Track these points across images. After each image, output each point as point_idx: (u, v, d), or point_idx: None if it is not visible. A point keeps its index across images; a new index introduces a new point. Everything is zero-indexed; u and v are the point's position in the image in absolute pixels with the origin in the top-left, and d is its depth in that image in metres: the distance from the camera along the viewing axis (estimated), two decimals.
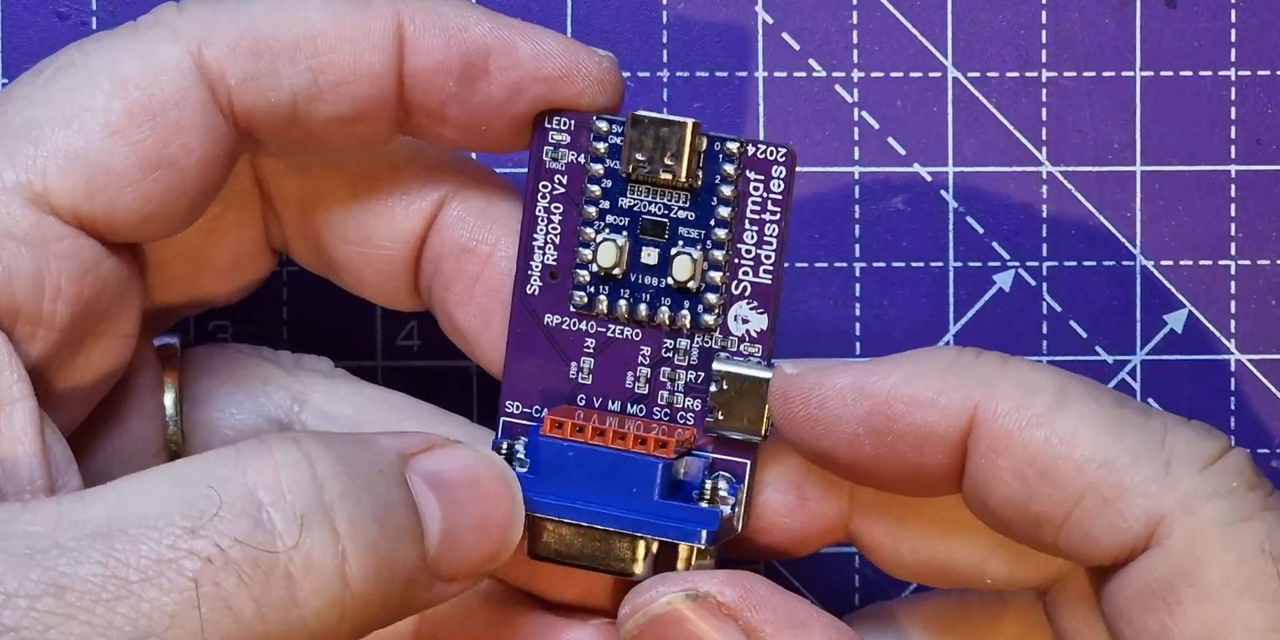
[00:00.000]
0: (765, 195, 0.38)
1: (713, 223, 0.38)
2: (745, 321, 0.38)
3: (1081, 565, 0.37)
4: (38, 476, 0.36)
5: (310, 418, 0.41)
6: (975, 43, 0.47)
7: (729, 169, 0.38)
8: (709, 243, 0.38)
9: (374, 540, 0.34)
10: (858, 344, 0.47)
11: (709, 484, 0.38)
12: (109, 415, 0.40)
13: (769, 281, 0.38)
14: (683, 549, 0.38)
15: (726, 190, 0.38)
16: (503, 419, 0.39)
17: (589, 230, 0.38)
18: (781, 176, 0.38)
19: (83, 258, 0.37)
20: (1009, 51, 0.47)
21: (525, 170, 0.39)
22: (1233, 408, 0.47)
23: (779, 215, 0.38)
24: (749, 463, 0.39)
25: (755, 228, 0.38)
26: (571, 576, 0.40)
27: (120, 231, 0.37)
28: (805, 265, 0.47)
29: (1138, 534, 0.35)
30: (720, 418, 0.38)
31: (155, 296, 0.41)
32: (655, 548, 0.38)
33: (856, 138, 0.47)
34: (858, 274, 0.47)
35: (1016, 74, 0.47)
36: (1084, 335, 0.47)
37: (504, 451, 0.39)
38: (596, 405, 0.39)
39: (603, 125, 0.38)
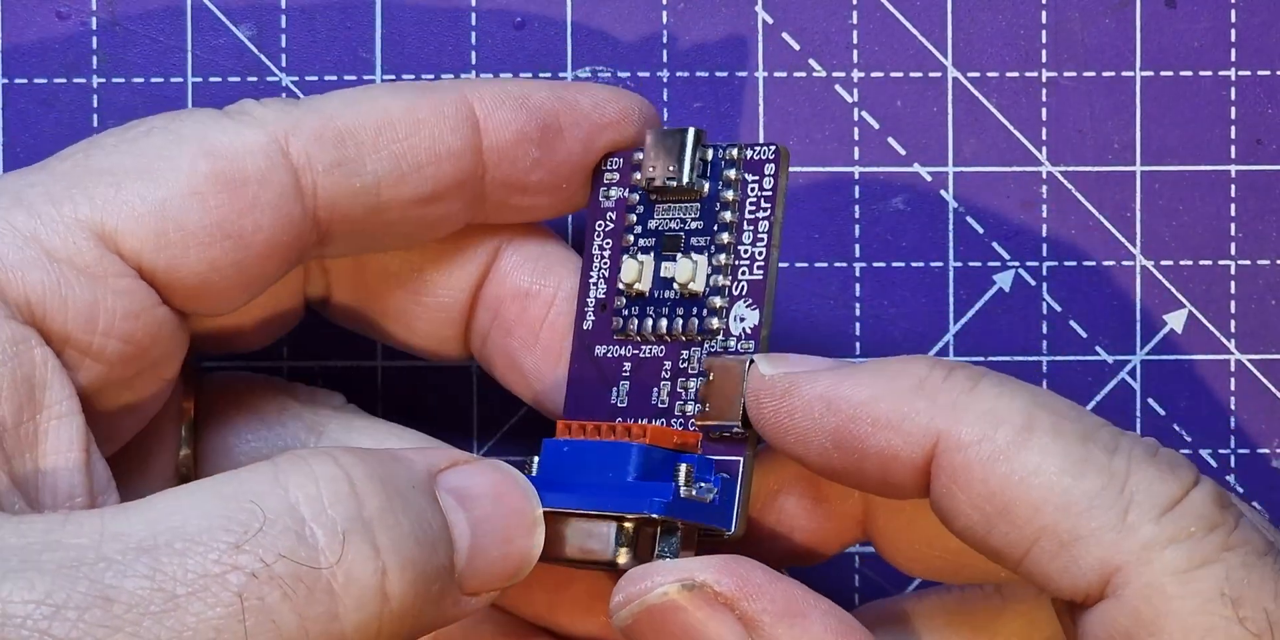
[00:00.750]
0: (759, 194, 0.39)
1: (716, 228, 0.39)
2: (742, 320, 0.39)
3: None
4: (79, 493, 0.36)
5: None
6: (975, 43, 0.47)
7: (730, 174, 0.39)
8: (714, 248, 0.39)
9: (412, 555, 0.34)
10: (858, 344, 0.47)
11: (685, 468, 0.38)
12: (132, 445, 0.40)
13: (760, 277, 0.39)
14: (649, 529, 0.38)
15: (729, 195, 0.39)
16: None
17: (625, 257, 0.40)
18: (771, 173, 0.39)
19: (139, 298, 0.37)
20: (1009, 51, 0.47)
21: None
22: (1233, 408, 0.47)
23: (770, 211, 0.39)
24: (741, 460, 0.39)
25: (750, 227, 0.39)
26: (584, 610, 0.40)
27: (175, 293, 0.38)
28: (805, 265, 0.47)
29: (1091, 581, 0.35)
30: (706, 409, 0.38)
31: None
32: (631, 531, 0.38)
33: (856, 138, 0.47)
34: (858, 274, 0.47)
35: (1016, 74, 0.47)
36: (1084, 335, 0.47)
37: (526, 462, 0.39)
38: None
39: (640, 156, 0.40)
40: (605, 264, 0.40)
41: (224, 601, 0.32)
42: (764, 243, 0.39)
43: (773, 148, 0.39)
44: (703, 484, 0.38)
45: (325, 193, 0.38)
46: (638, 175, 0.40)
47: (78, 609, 0.31)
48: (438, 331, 0.41)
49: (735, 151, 0.39)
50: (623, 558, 0.38)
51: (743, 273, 0.39)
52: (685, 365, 0.39)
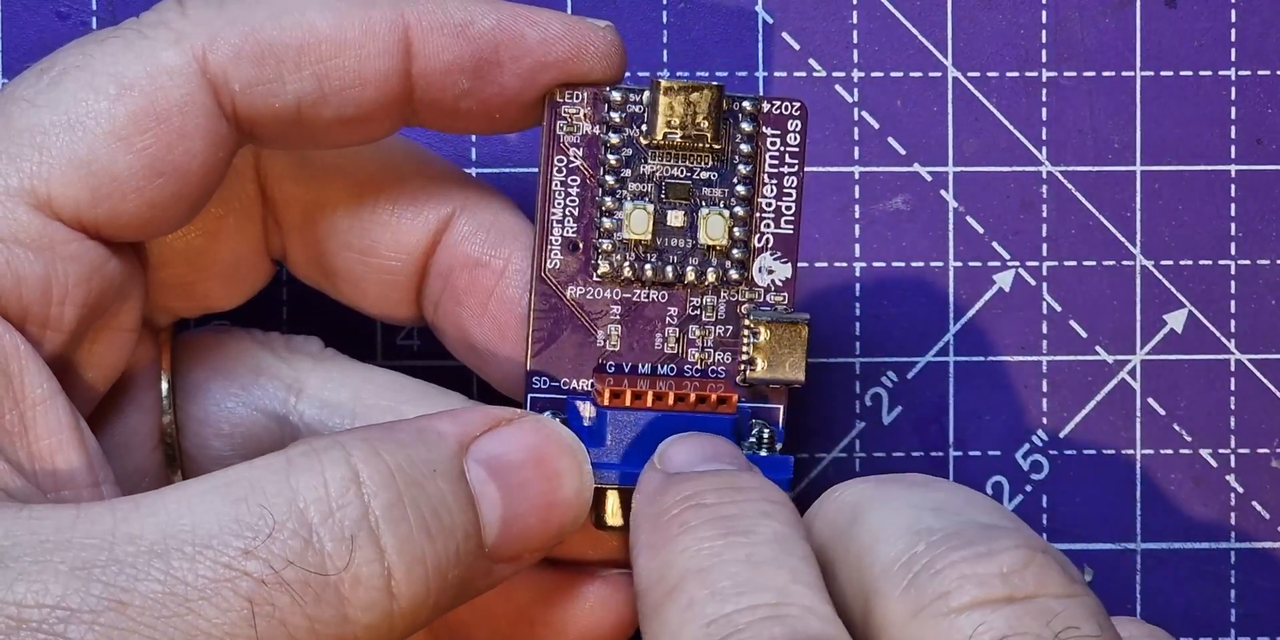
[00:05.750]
0: (782, 149, 0.39)
1: (735, 180, 0.39)
2: (770, 272, 0.39)
3: None
4: (79, 472, 0.36)
5: (307, 408, 0.41)
6: (975, 43, 0.47)
7: (747, 127, 0.39)
8: (733, 200, 0.39)
9: (420, 552, 0.34)
10: (858, 344, 0.47)
11: (761, 433, 0.39)
12: (106, 409, 0.40)
13: (791, 232, 0.39)
14: None
15: (746, 148, 0.39)
16: (530, 395, 0.40)
17: (609, 200, 0.39)
18: (797, 129, 0.39)
19: (88, 260, 0.37)
20: (1009, 51, 0.47)
21: (530, 170, 0.39)
22: (1233, 408, 0.47)
23: (796, 167, 0.39)
24: (781, 408, 0.39)
25: (774, 181, 0.39)
26: (584, 535, 0.40)
27: (123, 234, 0.37)
28: (805, 265, 0.47)
29: None
30: (763, 366, 0.39)
31: (156, 298, 0.41)
32: None
33: (856, 138, 0.47)
34: (858, 274, 0.47)
35: (1016, 74, 0.47)
36: (1084, 335, 0.47)
37: None
38: (626, 370, 0.39)
39: (618, 96, 0.39)
40: (574, 202, 0.39)
41: (235, 607, 0.32)
42: (792, 198, 0.39)
43: (796, 104, 0.39)
44: (774, 442, 0.39)
45: (245, 110, 0.37)
46: (616, 115, 0.39)
47: (92, 612, 0.32)
48: (387, 295, 0.41)
49: (751, 105, 0.39)
50: None
51: (767, 226, 0.39)
52: (698, 312, 0.39)
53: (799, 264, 0.40)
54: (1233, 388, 0.47)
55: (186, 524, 0.33)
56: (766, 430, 0.39)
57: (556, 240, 0.39)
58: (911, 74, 0.47)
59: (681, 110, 0.39)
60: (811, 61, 0.47)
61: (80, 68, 0.37)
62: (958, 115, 0.47)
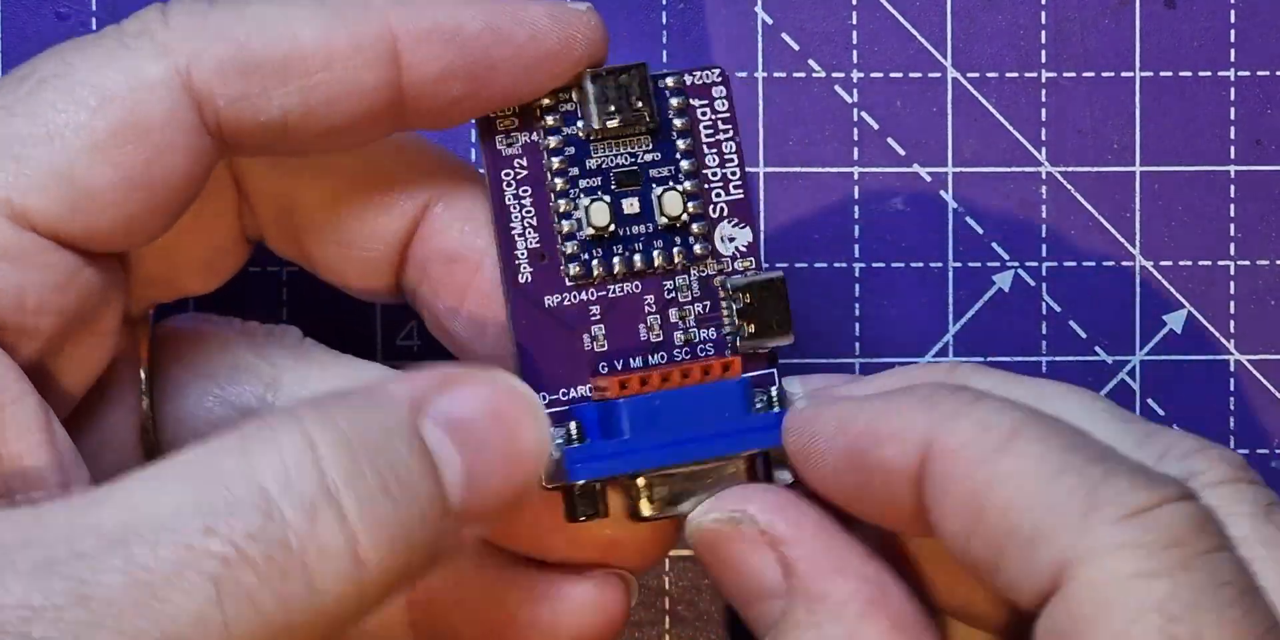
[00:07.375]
0: (714, 117, 0.40)
1: (677, 156, 0.39)
2: (731, 240, 0.40)
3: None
4: (50, 474, 0.35)
5: (284, 404, 0.41)
6: (975, 43, 0.47)
7: (675, 102, 0.39)
8: (680, 176, 0.39)
9: (384, 516, 0.33)
10: (857, 344, 0.47)
11: (768, 393, 0.39)
12: (87, 406, 0.40)
13: (741, 196, 0.40)
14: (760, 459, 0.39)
15: (679, 122, 0.39)
16: None
17: (563, 202, 0.39)
18: (723, 95, 0.40)
19: (64, 270, 0.36)
20: (1009, 51, 0.47)
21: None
22: (1232, 408, 0.47)
23: (731, 132, 0.40)
24: (775, 371, 0.40)
25: (714, 150, 0.40)
26: (565, 534, 0.40)
27: (99, 245, 0.37)
28: (805, 265, 0.47)
29: (1045, 581, 0.34)
30: (752, 331, 0.39)
31: (132, 291, 0.40)
32: (756, 470, 0.39)
33: (856, 138, 0.47)
34: (858, 274, 0.47)
35: (1016, 74, 0.47)
36: (1084, 335, 0.47)
37: (562, 437, 0.39)
38: (619, 367, 0.39)
39: (546, 100, 0.39)
40: (530, 212, 0.39)
41: (200, 588, 0.31)
42: (734, 163, 0.40)
43: (716, 71, 0.39)
44: (778, 397, 0.39)
45: (229, 125, 0.37)
46: (550, 118, 0.39)
47: (56, 609, 0.31)
48: (367, 281, 0.41)
49: (674, 80, 0.39)
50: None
51: (718, 195, 0.40)
52: (674, 295, 0.39)
53: (761, 232, 0.40)
54: (1232, 388, 0.47)
55: (146, 510, 0.32)
56: (773, 388, 0.39)
57: (522, 254, 0.39)
58: (911, 74, 0.47)
59: (615, 95, 0.39)
60: (811, 62, 0.47)
61: (60, 77, 0.36)
62: (957, 116, 0.47)
